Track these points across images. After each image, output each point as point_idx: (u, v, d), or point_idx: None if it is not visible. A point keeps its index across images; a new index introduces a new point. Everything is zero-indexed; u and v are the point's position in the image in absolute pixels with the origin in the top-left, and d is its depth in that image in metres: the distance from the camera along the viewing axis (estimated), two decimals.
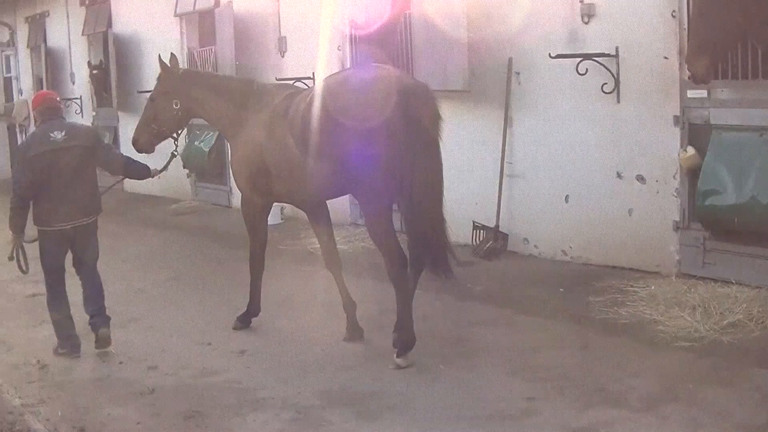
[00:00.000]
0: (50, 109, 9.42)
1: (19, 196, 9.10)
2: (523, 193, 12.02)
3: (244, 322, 9.80)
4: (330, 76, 8.98)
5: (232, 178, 17.55)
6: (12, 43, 28.99)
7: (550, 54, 10.95)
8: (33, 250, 9.42)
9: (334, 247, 9.65)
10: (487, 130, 12.35)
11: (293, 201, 9.75)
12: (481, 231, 12.25)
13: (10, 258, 9.35)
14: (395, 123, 7.80)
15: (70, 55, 24.98)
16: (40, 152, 9.02)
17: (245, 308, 9.87)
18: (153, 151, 10.24)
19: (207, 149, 18.52)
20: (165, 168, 10.21)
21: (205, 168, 18.76)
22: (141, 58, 21.47)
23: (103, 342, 9.25)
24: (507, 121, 11.95)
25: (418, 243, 8.12)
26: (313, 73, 15.40)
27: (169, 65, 10.00)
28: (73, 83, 24.87)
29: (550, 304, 9.75)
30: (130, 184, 22.14)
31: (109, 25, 22.50)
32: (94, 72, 22.61)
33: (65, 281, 9.54)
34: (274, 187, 9.08)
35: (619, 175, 10.82)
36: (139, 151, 10.21)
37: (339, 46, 14.93)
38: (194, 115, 10.14)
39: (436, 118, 8.16)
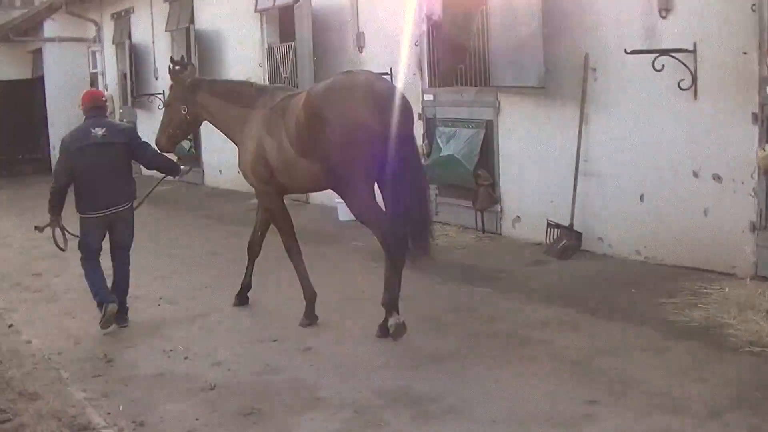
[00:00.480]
0: (95, 108, 10.44)
1: (57, 183, 10.16)
2: (597, 192, 11.83)
3: (310, 317, 9.95)
4: (316, 84, 10.01)
5: None
6: (98, 39, 29.46)
7: (625, 50, 10.76)
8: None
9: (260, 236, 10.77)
10: (562, 127, 12.17)
11: (293, 191, 10.53)
12: (555, 229, 12.09)
13: (37, 229, 10.59)
14: (372, 125, 8.60)
15: (154, 51, 25.31)
16: (81, 146, 10.05)
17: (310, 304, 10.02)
18: (173, 152, 11.24)
19: None
20: (189, 170, 11.65)
21: None
22: (222, 54, 21.69)
23: (107, 318, 10.01)
24: (582, 117, 11.76)
25: (413, 220, 8.81)
26: (391, 69, 15.37)
27: (178, 75, 11.03)
28: (157, 79, 25.17)
29: (620, 305, 9.57)
30: (210, 180, 22.45)
31: (192, 21, 22.73)
32: (178, 68, 22.79)
33: (100, 261, 10.46)
34: (277, 178, 9.76)
35: (695, 174, 10.59)
36: (161, 151, 10.86)
37: (416, 41, 14.85)
38: (201, 118, 10.96)
39: (408, 115, 8.94)
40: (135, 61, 26.03)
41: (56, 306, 11.71)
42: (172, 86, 11.10)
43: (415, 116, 14.53)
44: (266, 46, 19.93)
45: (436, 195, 14.63)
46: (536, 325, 9.14)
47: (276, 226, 10.33)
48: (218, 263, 13.52)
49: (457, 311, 9.88)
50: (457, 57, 14.16)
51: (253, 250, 10.87)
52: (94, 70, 30.18)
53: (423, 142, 14.70)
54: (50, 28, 30.13)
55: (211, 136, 22.43)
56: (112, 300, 10.12)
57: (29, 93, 31.09)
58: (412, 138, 8.99)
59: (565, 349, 8.34)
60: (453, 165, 13.59)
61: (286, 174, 9.59)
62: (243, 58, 20.80)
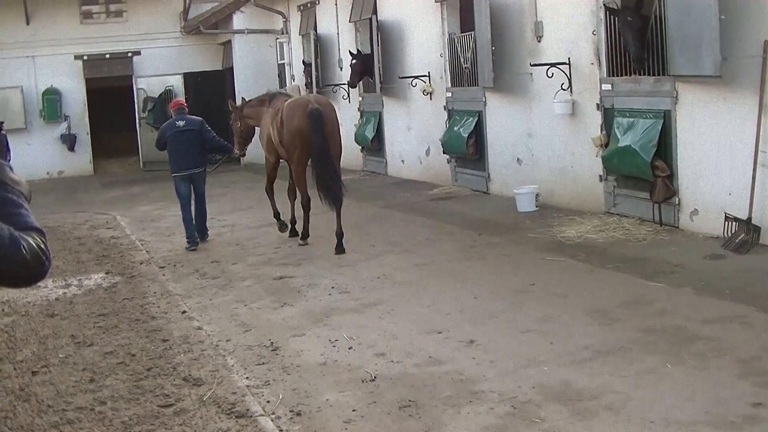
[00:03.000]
0: (180, 109, 16.41)
1: (158, 149, 16.61)
2: None
3: (282, 228, 16.02)
4: (290, 99, 15.51)
5: (490, 164, 17.67)
6: (285, 30, 29.99)
7: None
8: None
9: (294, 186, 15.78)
10: (739, 118, 11.74)
11: (283, 159, 15.65)
12: (733, 223, 11.71)
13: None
14: (307, 128, 14.35)
15: (339, 42, 25.61)
16: (171, 133, 15.95)
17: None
18: (244, 154, 17.64)
19: (466, 135, 18.51)
20: (242, 154, 17.42)
21: (464, 153, 18.79)
22: (404, 44, 21.80)
23: (190, 249, 15.53)
24: (762, 107, 11.32)
25: (325, 183, 14.21)
26: (569, 59, 15.17)
27: (234, 104, 17.34)
28: (341, 69, 25.51)
29: None
30: (392, 170, 22.58)
31: (375, 11, 22.93)
32: (353, 62, 23.07)
33: (190, 204, 15.94)
34: (277, 152, 15.51)
35: None
36: (238, 153, 17.24)
37: (594, 30, 14.60)
38: (250, 125, 16.89)
39: (329, 125, 14.52)
40: (320, 52, 26.46)
41: (230, 293, 12.03)
42: (231, 113, 17.10)
43: (593, 106, 14.45)
44: (447, 36, 19.92)
45: (614, 187, 14.38)
46: (707, 321, 8.87)
47: (266, 177, 16.29)
48: (395, 252, 13.60)
49: (627, 305, 9.67)
50: (634, 49, 13.81)
51: (291, 193, 15.95)
52: (282, 61, 30.78)
53: (601, 132, 14.47)
54: (239, 20, 30.88)
55: (393, 128, 22.60)
56: (195, 244, 15.70)
57: (220, 83, 31.97)
58: (327, 139, 14.29)
59: (735, 347, 8.07)
60: (630, 156, 13.33)
61: (279, 150, 15.28)
62: (424, 47, 20.87)
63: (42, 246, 3.16)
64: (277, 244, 15.18)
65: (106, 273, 14.06)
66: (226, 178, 25.87)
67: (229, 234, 16.80)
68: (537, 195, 16.02)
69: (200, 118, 16.44)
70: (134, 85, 32.90)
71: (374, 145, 23.76)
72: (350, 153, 25.62)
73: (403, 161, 22.60)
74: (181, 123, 16.01)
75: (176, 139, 15.88)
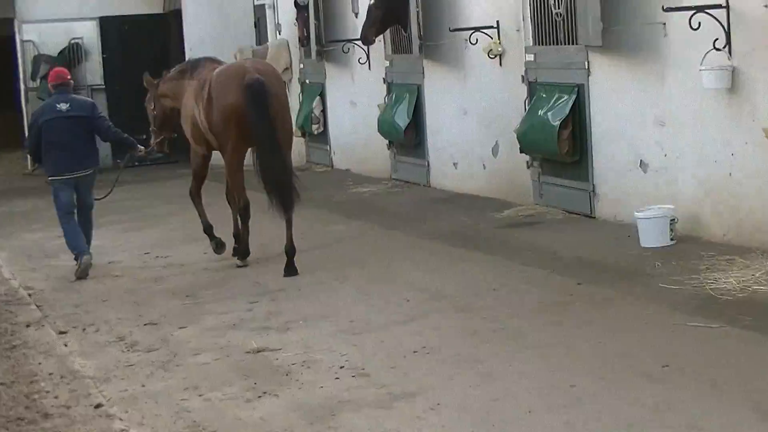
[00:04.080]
0: (61, 85, 18.08)
1: (29, 148, 18.34)
2: None
3: (217, 245, 18.19)
4: (220, 68, 17.73)
5: (596, 171, 17.63)
6: None
7: None
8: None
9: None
10: None
11: (214, 148, 17.98)
12: None
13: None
14: (244, 106, 16.36)
15: None
16: (49, 119, 17.54)
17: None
18: (163, 150, 19.87)
19: (557, 123, 18.31)
20: (149, 154, 19.68)
21: (554, 152, 18.60)
22: None
23: (83, 269, 17.32)
24: None
25: (273, 179, 16.36)
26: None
27: (151, 79, 19.14)
28: (356, 16, 25.40)
29: None
30: (438, 178, 22.56)
31: None
32: (373, 4, 22.95)
33: (74, 217, 17.87)
34: (204, 137, 17.62)
35: None
36: (158, 152, 19.95)
37: None
38: (166, 108, 19.01)
39: (276, 101, 16.73)
40: None
41: (176, 375, 11.99)
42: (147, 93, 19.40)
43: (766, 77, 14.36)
44: None
45: None
46: None
47: (192, 176, 18.75)
48: (443, 311, 13.51)
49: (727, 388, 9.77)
50: None
51: (231, 198, 18.19)
52: (261, 2, 30.66)
53: None
54: None
55: (440, 111, 22.51)
56: (87, 252, 17.40)
57: (160, 36, 31.99)
58: (273, 121, 16.42)
59: None
60: None
61: (208, 137, 17.32)
62: None
63: None
64: (252, 296, 15.12)
65: None
66: (172, 190, 25.97)
67: (175, 278, 16.80)
68: (673, 221, 15.93)
69: (91, 101, 18.75)
70: (18, 36, 32.91)
71: (409, 138, 23.72)
72: (371, 150, 25.65)
73: (455, 164, 22.58)
74: (63, 106, 17.69)
75: (57, 128, 17.53)
